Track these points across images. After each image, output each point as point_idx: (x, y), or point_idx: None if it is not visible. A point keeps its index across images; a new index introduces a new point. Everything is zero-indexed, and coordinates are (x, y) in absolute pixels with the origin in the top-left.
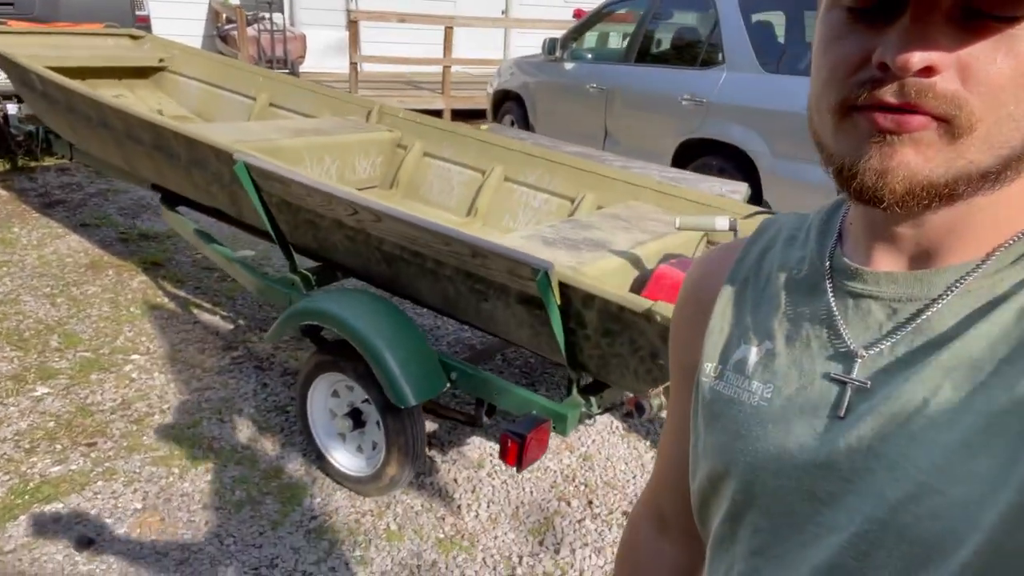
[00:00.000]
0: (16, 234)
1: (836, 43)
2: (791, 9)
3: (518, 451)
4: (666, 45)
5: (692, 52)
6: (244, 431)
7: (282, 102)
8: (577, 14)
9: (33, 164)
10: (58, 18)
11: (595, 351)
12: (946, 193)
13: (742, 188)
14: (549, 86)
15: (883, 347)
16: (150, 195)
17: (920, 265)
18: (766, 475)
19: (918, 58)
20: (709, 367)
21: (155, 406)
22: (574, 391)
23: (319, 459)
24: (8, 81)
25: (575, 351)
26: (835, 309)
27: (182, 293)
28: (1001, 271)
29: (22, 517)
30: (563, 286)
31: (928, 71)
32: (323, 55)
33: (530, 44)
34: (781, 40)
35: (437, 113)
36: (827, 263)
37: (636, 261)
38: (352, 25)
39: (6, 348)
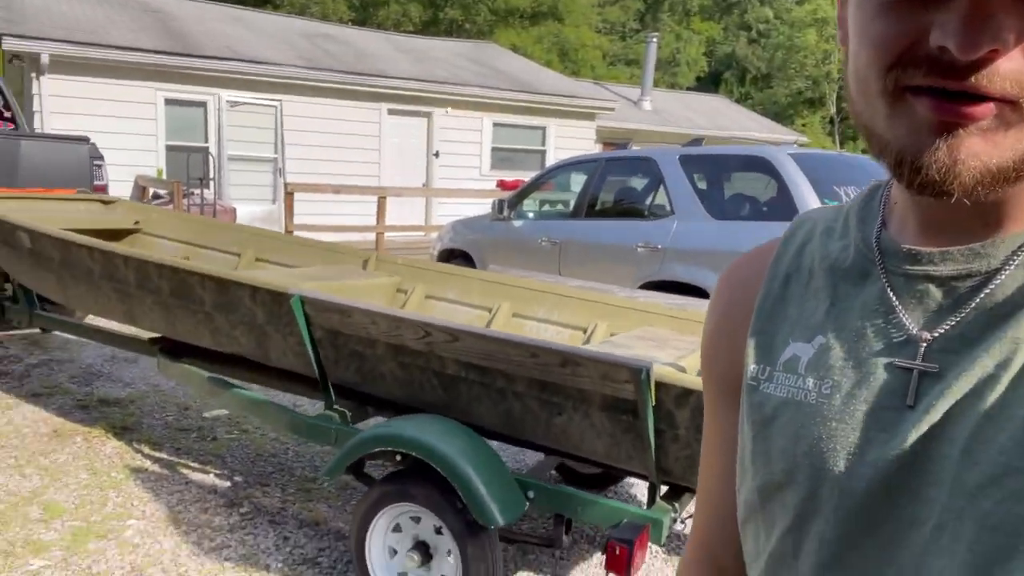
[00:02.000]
0: None
1: (882, 19)
2: (720, 170)
3: (627, 557)
4: (614, 201)
5: (640, 206)
6: None
7: (270, 256)
8: (501, 184)
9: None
10: (15, 184)
11: (683, 452)
12: (1014, 176)
13: None
14: (499, 242)
15: (946, 328)
16: (100, 361)
17: (976, 238)
18: (834, 477)
19: (979, 42)
20: (755, 369)
21: (170, 570)
22: (657, 498)
23: None
24: None
25: (661, 456)
26: (890, 294)
27: (164, 455)
28: None
29: None
30: (656, 386)
31: (993, 53)
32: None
33: (448, 213)
34: (720, 191)
35: None
36: (875, 247)
37: (696, 368)
38: (288, 196)
39: None
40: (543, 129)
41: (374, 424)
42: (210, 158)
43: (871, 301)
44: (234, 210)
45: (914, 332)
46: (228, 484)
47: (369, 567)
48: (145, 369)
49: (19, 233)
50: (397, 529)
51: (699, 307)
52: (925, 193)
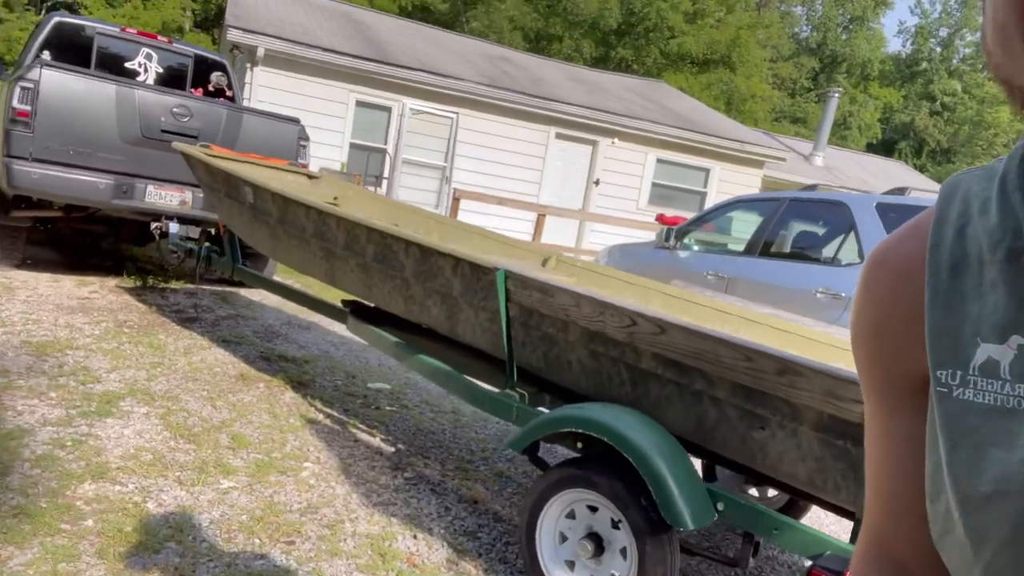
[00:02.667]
0: (163, 340)
1: None
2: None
3: None
4: (794, 242)
5: (824, 251)
6: (441, 551)
7: (453, 243)
8: (660, 218)
9: (162, 285)
10: (235, 148)
11: None
12: None
13: None
14: (661, 270)
15: None
16: (278, 323)
17: None
18: None
19: None
20: (944, 375)
21: (342, 514)
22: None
23: None
24: (176, 204)
25: None
26: None
27: (334, 413)
28: None
29: None
30: None
31: None
32: None
33: (601, 240)
34: None
35: None
36: None
37: None
38: (455, 202)
39: (179, 440)
40: (707, 171)
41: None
42: (387, 158)
43: None
44: None
45: None
46: (392, 450)
47: (537, 548)
48: (318, 336)
49: (244, 188)
50: (571, 516)
51: None
52: None
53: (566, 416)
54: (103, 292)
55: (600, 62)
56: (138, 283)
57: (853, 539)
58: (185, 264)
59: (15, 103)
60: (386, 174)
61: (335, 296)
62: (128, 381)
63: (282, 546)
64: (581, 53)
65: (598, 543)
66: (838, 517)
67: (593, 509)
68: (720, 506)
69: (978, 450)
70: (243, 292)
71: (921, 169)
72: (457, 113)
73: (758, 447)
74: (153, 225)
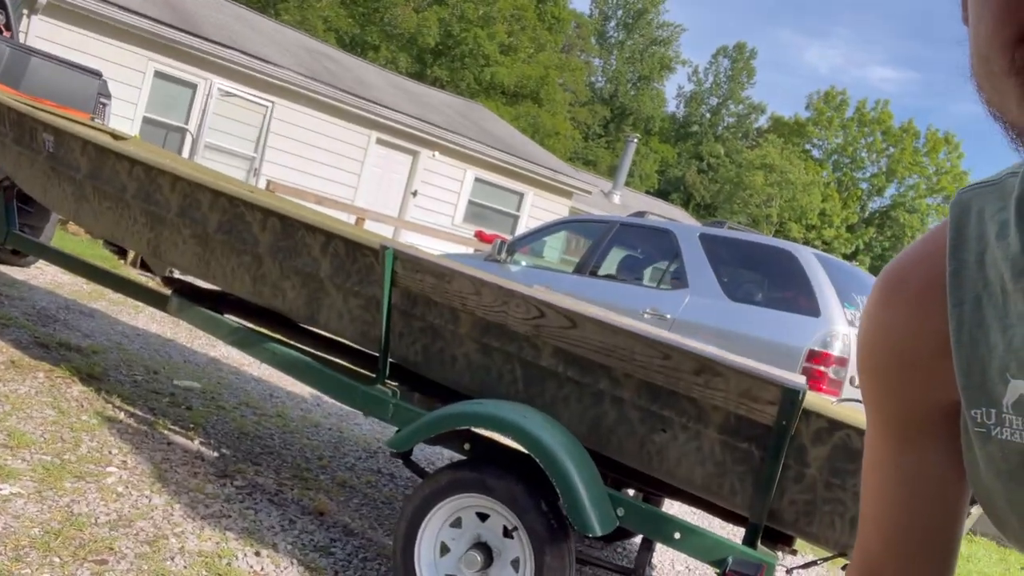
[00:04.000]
0: None
1: None
2: (740, 255)
3: None
4: (622, 265)
5: (650, 274)
6: (291, 569)
7: None
8: (479, 234)
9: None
10: (19, 89)
11: (803, 496)
12: None
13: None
14: None
15: None
16: (54, 307)
17: None
18: None
19: None
20: (979, 415)
21: (164, 528)
22: (758, 542)
23: None
24: None
25: (777, 495)
26: None
27: (138, 412)
28: None
29: None
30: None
31: None
32: None
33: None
34: (737, 273)
35: None
36: None
37: None
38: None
39: None
40: (521, 195)
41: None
42: (188, 138)
43: None
44: None
45: None
46: (215, 455)
47: (415, 561)
48: (103, 324)
49: (43, 133)
50: (456, 524)
51: None
52: None
53: (466, 413)
54: None
55: (415, 78)
56: None
57: (746, 542)
58: None
59: None
60: (185, 155)
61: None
62: None
63: (91, 566)
64: (397, 66)
65: (487, 554)
66: (722, 523)
67: (483, 516)
68: (620, 511)
69: (1017, 497)
70: (4, 269)
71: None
72: (273, 102)
73: (655, 450)
74: None
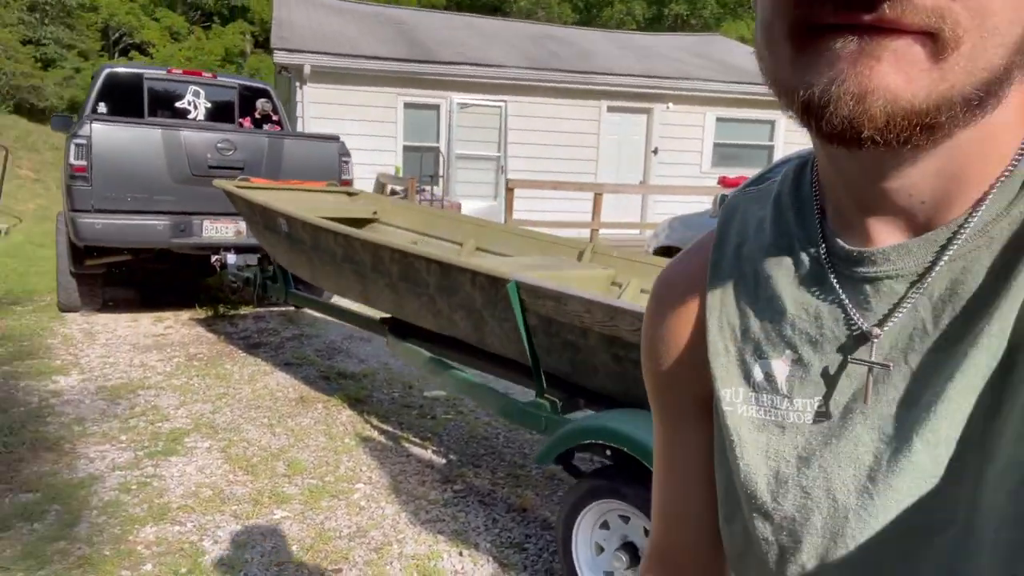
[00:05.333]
0: (229, 370)
1: None
2: None
3: None
4: None
5: None
6: (486, 567)
7: (489, 245)
8: (723, 181)
9: (231, 312)
10: (279, 176)
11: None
12: (927, 122)
13: None
14: None
15: (901, 325)
16: (340, 338)
17: (925, 226)
18: (850, 497)
19: None
20: (728, 394)
21: (390, 536)
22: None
23: None
24: (232, 235)
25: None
26: (845, 298)
27: (388, 428)
28: (1013, 205)
29: None
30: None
31: None
32: None
33: (665, 211)
34: None
35: None
36: (822, 248)
37: None
38: (509, 192)
39: (238, 472)
40: (772, 123)
41: (584, 416)
42: (440, 157)
43: (825, 307)
44: (459, 205)
45: (870, 332)
46: (444, 461)
47: (575, 561)
48: (378, 348)
49: (279, 219)
50: (604, 526)
51: None
52: (834, 136)
53: (584, 428)
54: (177, 327)
55: (654, 22)
56: (209, 313)
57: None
58: (247, 292)
59: (72, 159)
60: (441, 172)
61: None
62: (194, 416)
63: (329, 574)
64: (633, 16)
65: (633, 553)
66: None
67: (625, 519)
68: None
69: (769, 467)
70: (308, 311)
71: None
72: (505, 101)
73: None
74: (213, 258)
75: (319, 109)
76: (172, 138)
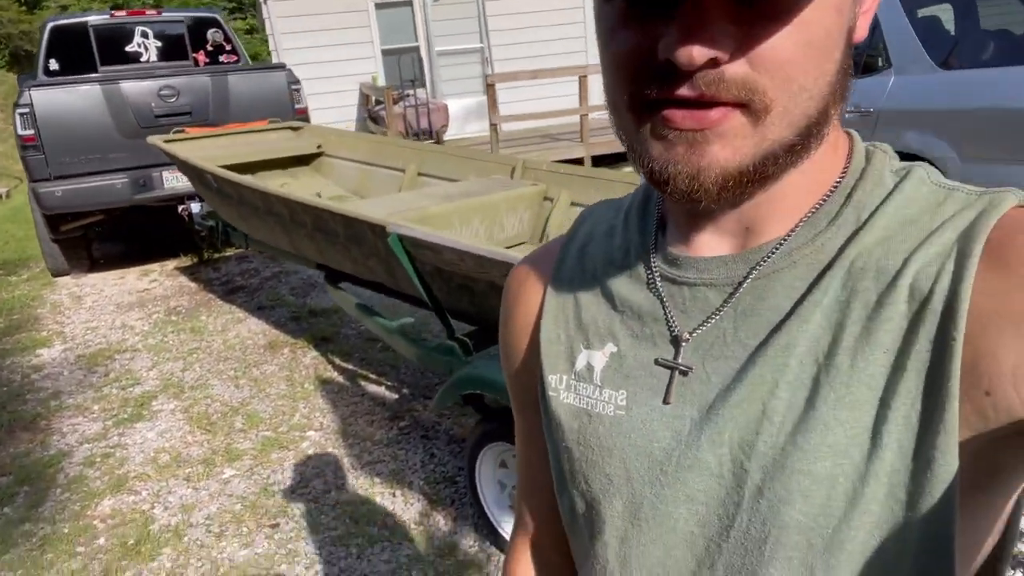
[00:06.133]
0: (204, 322)
1: (618, 36)
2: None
3: None
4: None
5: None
6: (415, 505)
7: (428, 170)
8: None
9: (216, 256)
10: (228, 119)
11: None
12: (757, 177)
13: None
14: None
15: (709, 331)
16: (317, 274)
17: (745, 244)
18: (644, 487)
19: (698, 52)
20: (553, 380)
21: (331, 483)
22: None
23: (492, 534)
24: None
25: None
26: (665, 300)
27: (350, 366)
28: (820, 235)
29: None
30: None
31: (714, 62)
32: (464, 121)
33: None
34: (953, 32)
35: (579, 161)
36: (651, 254)
37: None
38: (490, 88)
39: (197, 432)
40: None
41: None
42: (420, 57)
43: (648, 306)
44: (445, 107)
45: (680, 335)
46: (396, 396)
47: (482, 498)
48: None
49: (205, 175)
50: (504, 465)
51: None
52: (678, 201)
53: (463, 377)
54: (161, 279)
55: None
56: (194, 260)
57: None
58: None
59: (19, 130)
60: (426, 72)
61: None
62: (164, 376)
63: (267, 531)
64: None
65: None
66: None
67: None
68: None
69: (585, 452)
70: None
71: None
72: None
73: None
74: (180, 208)
75: (287, 24)
76: (113, 92)
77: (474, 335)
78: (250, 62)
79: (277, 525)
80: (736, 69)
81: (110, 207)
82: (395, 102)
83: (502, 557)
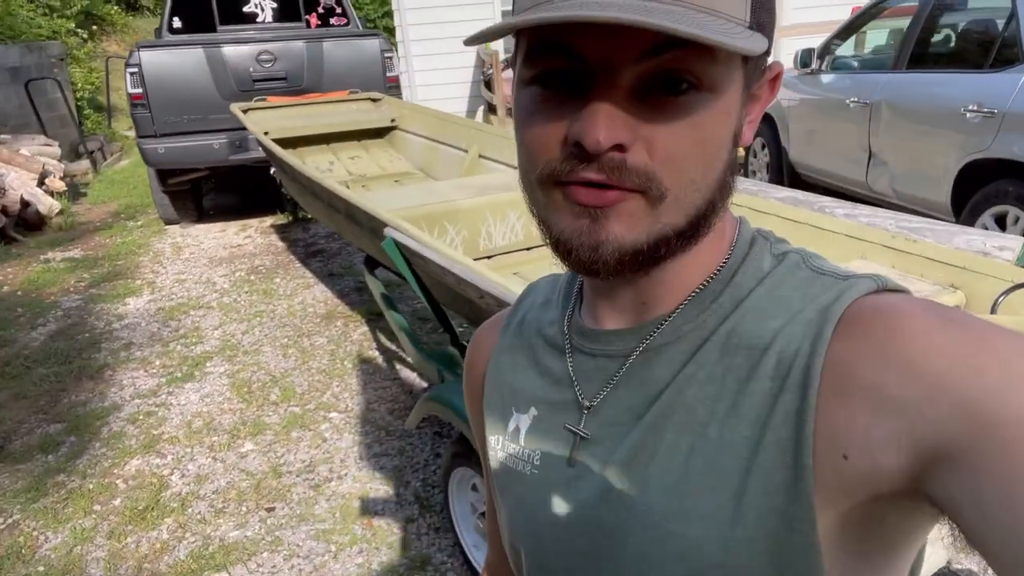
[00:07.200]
0: (276, 285)
1: (533, 120)
2: None
3: None
4: (947, 45)
5: (981, 51)
6: (406, 509)
7: (490, 153)
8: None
9: (309, 216)
10: (322, 88)
11: None
12: (651, 256)
13: (1015, 244)
14: (803, 103)
15: (606, 399)
16: None
17: (639, 318)
18: (548, 543)
19: (604, 137)
20: (492, 440)
21: (336, 471)
22: None
23: (462, 555)
24: None
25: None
26: (571, 369)
27: (392, 347)
28: (704, 313)
29: None
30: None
31: (619, 148)
32: None
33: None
34: None
35: None
36: (566, 325)
37: None
38: None
39: (235, 400)
40: None
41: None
42: None
43: (563, 374)
44: None
45: (583, 402)
46: (424, 385)
47: (455, 519)
48: None
49: (271, 153)
50: (475, 488)
51: (945, 238)
52: (580, 272)
53: (431, 397)
54: (255, 236)
55: None
56: (288, 219)
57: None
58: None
59: (129, 89)
60: None
61: None
62: (226, 337)
63: (262, 514)
64: None
65: None
66: None
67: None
68: None
69: (508, 507)
70: None
71: None
72: None
73: None
74: (272, 170)
75: None
76: (215, 55)
77: None
78: (360, 27)
79: (273, 509)
80: (637, 159)
81: (208, 166)
82: (504, 68)
83: None
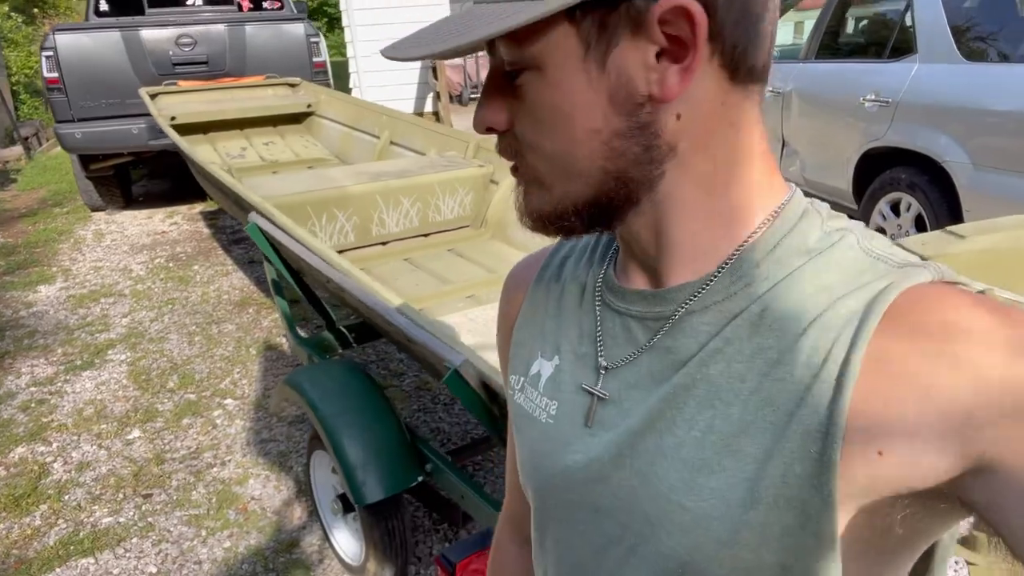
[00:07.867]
0: (194, 272)
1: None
2: None
3: None
4: (852, 35)
5: (880, 42)
6: (282, 494)
7: (399, 140)
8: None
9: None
10: (245, 73)
11: None
12: (559, 223)
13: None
14: None
15: (628, 361)
16: None
17: (658, 283)
18: (556, 491)
19: (477, 121)
20: (513, 379)
21: (220, 457)
22: None
23: (325, 537)
24: None
25: None
26: (598, 325)
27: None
28: (736, 284)
29: (58, 570)
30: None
31: (493, 130)
32: None
33: None
34: (984, 22)
35: None
36: (600, 280)
37: None
38: None
39: (130, 388)
40: None
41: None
42: None
43: (589, 328)
44: None
45: (603, 362)
46: None
47: (317, 502)
48: None
49: (169, 134)
50: (335, 471)
51: None
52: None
53: (286, 381)
54: (182, 222)
55: None
56: (217, 205)
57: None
58: None
59: (45, 72)
60: None
61: None
62: (132, 326)
63: (138, 500)
64: None
65: (346, 502)
66: None
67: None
68: (429, 467)
69: (521, 448)
70: None
71: None
72: None
73: None
74: None
75: None
76: (132, 39)
77: (357, 327)
78: (294, 11)
79: (150, 496)
80: (504, 141)
81: (129, 151)
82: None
83: (333, 563)
